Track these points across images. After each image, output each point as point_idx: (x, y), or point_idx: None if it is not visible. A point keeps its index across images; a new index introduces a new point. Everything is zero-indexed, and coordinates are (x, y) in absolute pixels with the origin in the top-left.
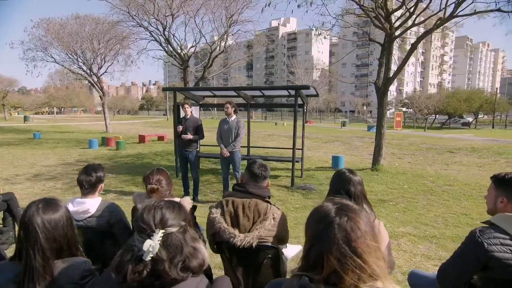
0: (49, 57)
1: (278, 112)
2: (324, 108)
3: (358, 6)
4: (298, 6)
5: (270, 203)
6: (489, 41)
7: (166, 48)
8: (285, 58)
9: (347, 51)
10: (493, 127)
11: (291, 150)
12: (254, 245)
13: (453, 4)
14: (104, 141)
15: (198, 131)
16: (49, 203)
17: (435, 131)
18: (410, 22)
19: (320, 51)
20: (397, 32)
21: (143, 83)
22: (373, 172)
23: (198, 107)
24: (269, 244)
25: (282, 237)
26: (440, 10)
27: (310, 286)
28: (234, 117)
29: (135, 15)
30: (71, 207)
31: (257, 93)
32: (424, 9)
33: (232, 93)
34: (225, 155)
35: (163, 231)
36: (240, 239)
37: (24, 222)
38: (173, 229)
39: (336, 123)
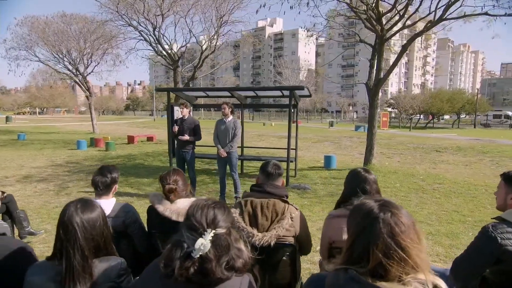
0: (33, 56)
1: (266, 112)
2: (311, 108)
3: (347, 8)
4: (290, 8)
5: (288, 203)
6: (469, 43)
7: (156, 48)
8: (271, 59)
9: (333, 52)
10: (474, 127)
11: (283, 150)
12: (272, 244)
13: (442, 8)
14: (93, 142)
15: (196, 132)
16: (86, 203)
17: (419, 130)
18: (400, 25)
19: (306, 51)
20: (388, 34)
21: (128, 83)
22: None
23: (191, 107)
24: (287, 242)
25: (303, 240)
26: (429, 13)
27: (359, 278)
28: (231, 117)
29: (124, 14)
30: None
31: (251, 93)
32: (414, 12)
33: (223, 93)
34: (222, 156)
35: (214, 231)
36: (259, 238)
37: (63, 222)
38: (223, 230)
39: (323, 123)
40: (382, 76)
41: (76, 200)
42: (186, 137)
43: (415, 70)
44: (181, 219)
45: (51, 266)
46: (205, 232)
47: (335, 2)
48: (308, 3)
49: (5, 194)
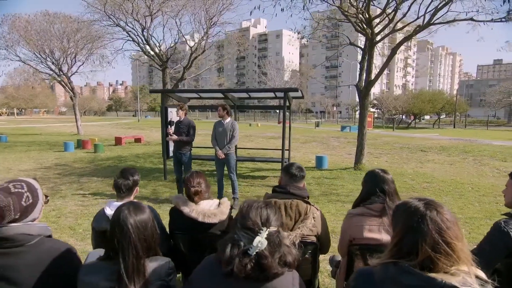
0: (14, 56)
1: (250, 112)
2: (295, 108)
3: (331, 10)
4: (282, 10)
5: (310, 204)
6: (447, 46)
7: (144, 49)
8: (256, 59)
9: (316, 53)
10: (454, 127)
11: (273, 150)
12: (296, 243)
13: (430, 13)
14: (80, 144)
15: (190, 133)
16: (137, 206)
17: (402, 130)
18: (389, 29)
19: (290, 52)
20: (378, 37)
21: (109, 83)
22: (356, 171)
23: (187, 109)
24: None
25: (323, 239)
26: (418, 18)
27: (413, 270)
28: (228, 119)
29: (111, 15)
30: (108, 211)
31: (244, 95)
32: (403, 17)
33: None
34: (221, 157)
35: (268, 229)
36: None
37: (118, 224)
38: (275, 229)
39: (308, 123)
40: (372, 78)
41: (127, 203)
42: (175, 136)
43: (397, 71)
44: (206, 219)
45: (106, 266)
46: (261, 231)
47: (325, 5)
48: (304, 6)
49: (48, 198)
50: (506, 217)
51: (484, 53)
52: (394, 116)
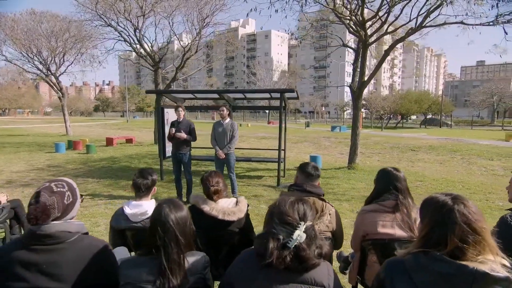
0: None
1: (239, 113)
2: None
3: (319, 11)
4: (276, 11)
5: (325, 201)
6: (432, 47)
7: (136, 49)
8: (244, 59)
9: (305, 53)
10: (440, 127)
11: (265, 150)
12: None
13: (422, 16)
14: (71, 145)
15: (191, 133)
16: (177, 203)
17: (391, 130)
18: (382, 30)
19: (279, 52)
20: (371, 39)
21: (96, 83)
22: (350, 171)
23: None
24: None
25: (338, 235)
26: (410, 21)
27: (444, 258)
28: (228, 119)
29: (102, 14)
30: (128, 210)
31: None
32: (395, 19)
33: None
34: (221, 157)
35: (306, 223)
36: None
37: (160, 220)
38: (311, 223)
39: (298, 124)
40: (365, 79)
41: (166, 201)
42: (183, 134)
43: (384, 72)
44: (226, 217)
45: (148, 261)
46: (299, 225)
47: (315, 6)
48: (302, 8)
49: (83, 197)
50: (511, 212)
51: (467, 54)
52: (383, 116)
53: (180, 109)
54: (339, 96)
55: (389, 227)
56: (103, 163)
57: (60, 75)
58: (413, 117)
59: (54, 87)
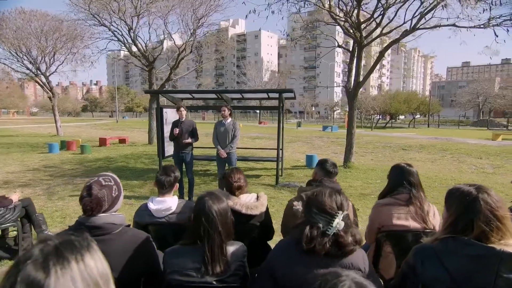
0: None
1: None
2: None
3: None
4: (272, 12)
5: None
6: (419, 48)
7: (130, 49)
8: (234, 59)
9: (295, 53)
10: (428, 126)
11: (262, 150)
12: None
13: (416, 18)
14: (64, 145)
15: (194, 133)
16: (218, 196)
17: (380, 130)
18: (377, 32)
19: (269, 53)
20: (366, 41)
21: (83, 83)
22: (346, 169)
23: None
24: None
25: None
26: (404, 23)
27: (473, 242)
28: (230, 119)
29: (96, 14)
30: (152, 206)
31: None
32: (390, 22)
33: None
34: (223, 156)
35: (343, 212)
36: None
37: (204, 211)
38: (346, 212)
39: (288, 124)
40: (361, 80)
41: (207, 193)
42: (188, 140)
43: (373, 72)
44: (249, 211)
45: (192, 250)
46: (337, 214)
47: (307, 8)
48: (299, 10)
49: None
50: None
51: (453, 55)
52: (373, 116)
53: (182, 108)
54: (329, 96)
55: (404, 219)
56: (100, 163)
57: (50, 74)
58: (401, 117)
59: (44, 87)
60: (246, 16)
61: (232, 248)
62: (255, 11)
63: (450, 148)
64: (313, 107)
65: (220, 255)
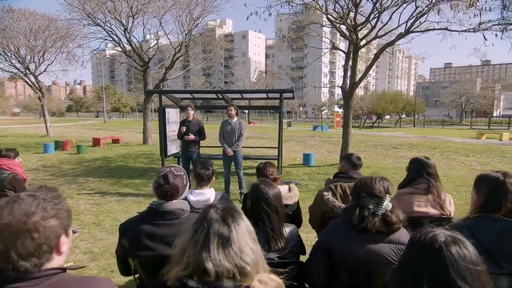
0: None
1: (219, 113)
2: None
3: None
4: (269, 14)
5: None
6: (403, 49)
7: (125, 49)
8: (222, 60)
9: (283, 54)
10: (414, 126)
11: (261, 148)
12: None
13: (410, 21)
14: (59, 145)
15: (201, 132)
16: (270, 182)
17: (368, 129)
18: (372, 35)
19: (256, 53)
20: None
21: (66, 82)
22: None
23: (178, 109)
24: None
25: None
26: (398, 26)
27: (502, 218)
28: (236, 118)
29: (90, 14)
30: (191, 198)
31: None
32: (384, 25)
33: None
34: (229, 154)
35: (389, 195)
36: None
37: (263, 196)
38: (392, 195)
39: (277, 123)
40: (356, 80)
41: (261, 181)
42: (192, 136)
43: (359, 73)
44: (285, 201)
45: (257, 230)
46: (385, 197)
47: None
48: (296, 13)
49: None
50: None
51: (433, 56)
52: (360, 116)
53: (189, 108)
54: (316, 96)
55: (423, 206)
56: (98, 163)
57: (39, 74)
58: (387, 116)
59: (33, 86)
60: (247, 18)
61: (288, 228)
62: (257, 13)
63: (438, 147)
64: (301, 107)
65: (279, 233)
